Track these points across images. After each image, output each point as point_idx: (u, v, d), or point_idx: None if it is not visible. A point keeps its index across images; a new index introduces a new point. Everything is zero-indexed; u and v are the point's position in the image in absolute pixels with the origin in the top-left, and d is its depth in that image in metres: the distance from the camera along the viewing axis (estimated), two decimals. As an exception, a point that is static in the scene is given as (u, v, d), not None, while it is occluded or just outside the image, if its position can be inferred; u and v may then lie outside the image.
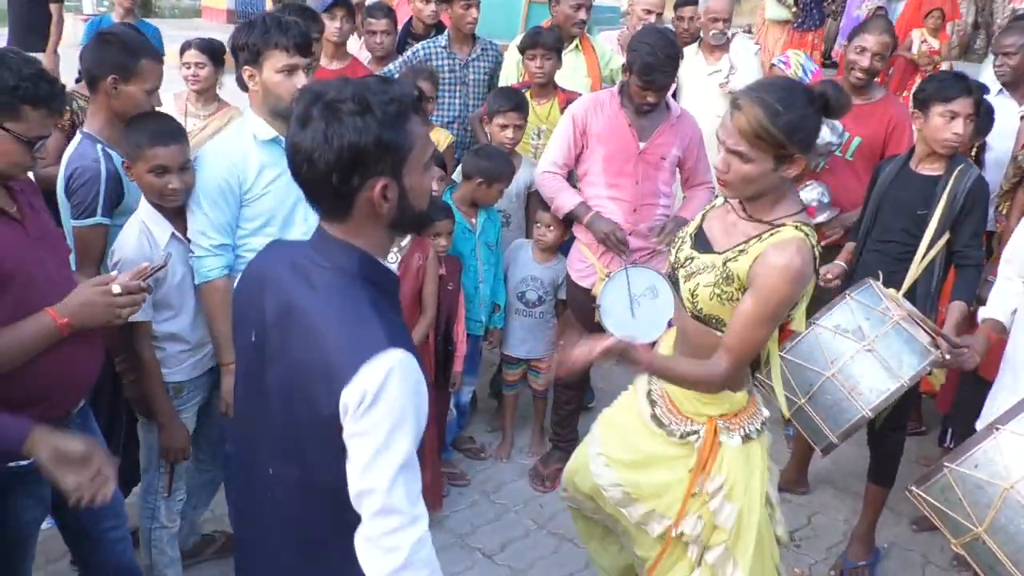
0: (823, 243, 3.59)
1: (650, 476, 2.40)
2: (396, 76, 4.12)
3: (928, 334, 2.66)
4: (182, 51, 4.01)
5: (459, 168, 3.75)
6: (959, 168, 3.07)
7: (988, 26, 9.05)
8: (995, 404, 2.76)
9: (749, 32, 9.47)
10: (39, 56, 6.28)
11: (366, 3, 5.24)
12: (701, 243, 2.30)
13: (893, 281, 3.05)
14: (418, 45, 4.47)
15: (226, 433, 2.75)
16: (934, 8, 7.93)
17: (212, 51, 3.99)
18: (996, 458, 2.22)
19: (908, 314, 2.72)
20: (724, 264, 2.18)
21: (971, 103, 2.99)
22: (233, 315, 1.74)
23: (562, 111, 3.83)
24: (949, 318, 2.96)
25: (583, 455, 2.61)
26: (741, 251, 2.17)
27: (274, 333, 1.59)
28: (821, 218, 3.61)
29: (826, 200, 3.73)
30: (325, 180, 1.49)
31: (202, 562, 3.15)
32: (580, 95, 4.00)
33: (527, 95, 4.00)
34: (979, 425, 2.75)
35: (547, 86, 4.14)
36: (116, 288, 2.09)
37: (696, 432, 2.33)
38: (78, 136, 2.71)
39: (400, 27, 4.83)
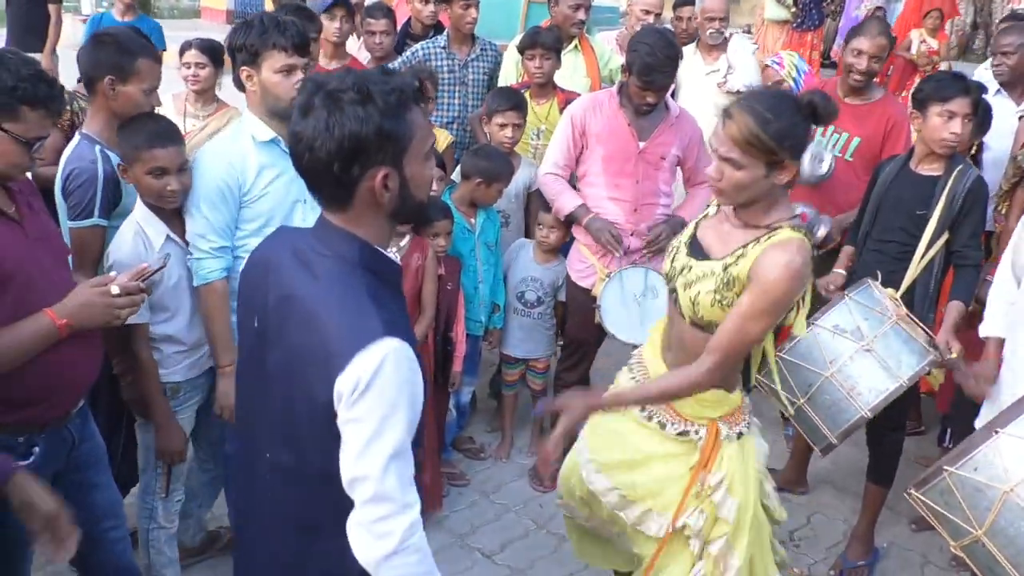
0: (822, 251, 3.59)
1: (647, 474, 2.41)
2: (395, 76, 4.11)
3: (926, 333, 2.67)
4: (182, 51, 4.00)
5: (458, 168, 3.76)
6: (958, 168, 3.07)
7: (987, 26, 9.06)
8: (994, 404, 2.76)
9: (748, 32, 9.49)
10: (37, 57, 6.29)
11: (365, 3, 5.24)
12: (697, 252, 2.32)
13: (892, 281, 3.06)
14: (417, 45, 4.47)
15: (226, 433, 2.76)
16: (933, 8, 7.94)
17: (212, 51, 3.98)
18: (996, 461, 2.21)
19: (906, 315, 2.72)
20: (724, 269, 2.20)
21: (969, 103, 2.99)
22: (239, 301, 1.76)
23: (561, 111, 3.83)
24: (947, 318, 2.97)
25: (573, 463, 2.62)
26: (740, 255, 2.19)
27: (274, 318, 1.61)
28: (821, 232, 3.58)
29: (812, 212, 3.67)
30: (326, 169, 1.50)
31: (203, 562, 3.15)
32: (579, 95, 4.01)
33: (526, 95, 4.00)
34: (978, 424, 2.75)
35: (546, 86, 4.14)
36: (115, 289, 2.09)
37: (694, 429, 2.35)
38: (77, 136, 2.69)
39: (399, 27, 4.82)
